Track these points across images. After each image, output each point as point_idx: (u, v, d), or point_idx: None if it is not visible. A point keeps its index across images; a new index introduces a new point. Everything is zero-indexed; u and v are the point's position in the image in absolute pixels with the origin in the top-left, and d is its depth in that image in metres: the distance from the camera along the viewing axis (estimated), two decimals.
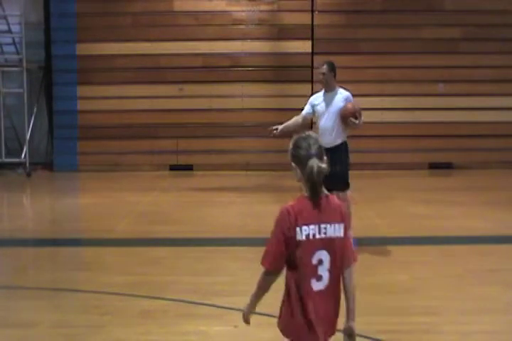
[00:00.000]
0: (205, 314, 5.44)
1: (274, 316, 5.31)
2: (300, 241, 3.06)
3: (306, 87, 14.58)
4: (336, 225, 3.13)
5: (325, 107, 7.44)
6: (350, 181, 7.54)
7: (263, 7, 14.78)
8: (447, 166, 14.73)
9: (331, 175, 7.74)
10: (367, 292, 6.03)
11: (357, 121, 7.27)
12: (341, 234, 3.14)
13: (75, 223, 9.57)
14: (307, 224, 3.07)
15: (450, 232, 8.57)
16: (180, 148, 14.78)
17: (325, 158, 3.23)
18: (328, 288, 3.12)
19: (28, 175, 14.23)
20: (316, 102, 7.57)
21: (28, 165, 14.36)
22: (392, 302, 5.75)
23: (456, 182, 13.48)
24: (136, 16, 14.75)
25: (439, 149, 14.67)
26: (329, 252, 3.11)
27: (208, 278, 6.47)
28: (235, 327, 5.10)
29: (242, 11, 14.75)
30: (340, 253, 3.13)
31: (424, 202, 10.61)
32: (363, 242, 7.41)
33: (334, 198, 3.22)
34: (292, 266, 3.10)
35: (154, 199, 11.19)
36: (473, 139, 14.70)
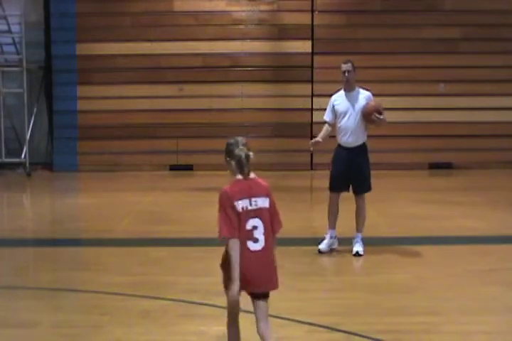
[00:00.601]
0: (205, 314, 5.44)
1: (274, 316, 5.33)
2: (239, 213, 3.94)
3: (306, 87, 14.59)
4: (263, 198, 4.06)
5: (347, 107, 7.29)
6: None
7: (263, 7, 14.79)
8: (447, 166, 14.74)
9: (356, 178, 7.71)
10: (367, 292, 6.04)
11: (381, 116, 7.17)
12: (267, 205, 4.06)
13: (75, 223, 9.56)
14: (241, 199, 3.97)
15: (450, 232, 8.58)
16: (180, 148, 14.78)
17: (251, 153, 4.15)
18: (264, 248, 3.98)
19: (28, 175, 14.23)
20: (336, 102, 7.40)
21: (28, 165, 14.38)
22: (392, 302, 5.75)
23: (456, 182, 13.49)
24: (136, 16, 14.76)
25: (439, 149, 14.68)
26: (261, 219, 4.00)
27: (208, 278, 6.47)
28: None
29: (242, 11, 14.76)
30: (270, 220, 4.06)
31: (424, 202, 10.61)
32: (363, 242, 7.41)
33: (260, 179, 4.14)
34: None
35: (154, 199, 11.19)
36: (473, 139, 14.71)
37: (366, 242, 7.45)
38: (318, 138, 7.45)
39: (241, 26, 14.82)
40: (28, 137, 14.69)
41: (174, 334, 5.01)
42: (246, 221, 3.96)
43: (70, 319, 5.36)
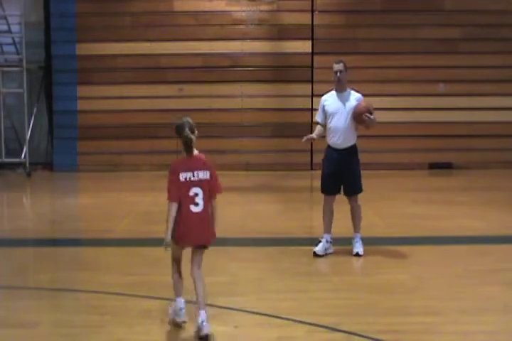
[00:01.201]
0: None
1: (274, 316, 5.34)
2: (182, 182, 5.03)
3: (305, 87, 14.60)
4: (204, 171, 5.09)
5: (338, 107, 7.19)
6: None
7: (263, 7, 14.78)
8: (447, 166, 14.74)
9: (347, 180, 7.54)
10: (367, 292, 6.04)
11: (372, 116, 7.04)
12: (208, 177, 5.09)
13: (75, 223, 9.57)
14: (185, 172, 5.05)
15: (450, 232, 8.58)
16: (181, 149, 14.76)
17: (195, 131, 5.21)
18: (203, 210, 5.06)
19: (28, 175, 14.23)
20: (327, 102, 7.31)
21: (28, 165, 14.37)
22: (392, 302, 5.75)
23: (456, 182, 13.49)
24: (136, 16, 14.76)
25: (438, 149, 14.68)
26: (201, 188, 5.05)
27: (208, 278, 6.44)
28: (235, 327, 5.11)
29: (242, 11, 14.76)
30: (208, 189, 5.08)
31: (424, 202, 10.61)
32: (363, 242, 7.41)
33: (202, 156, 5.17)
34: (180, 198, 5.04)
35: (154, 199, 11.19)
36: (472, 139, 14.71)
37: (366, 242, 7.44)
38: (313, 135, 7.36)
39: (241, 26, 14.83)
40: (28, 137, 14.68)
41: (174, 334, 5.01)
42: (189, 189, 5.04)
43: (70, 319, 5.36)
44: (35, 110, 15.18)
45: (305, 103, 14.49)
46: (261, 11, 14.79)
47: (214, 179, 5.14)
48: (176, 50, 14.71)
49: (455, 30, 14.69)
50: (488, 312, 5.50)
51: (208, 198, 5.08)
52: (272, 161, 14.62)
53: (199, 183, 5.05)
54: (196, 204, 5.04)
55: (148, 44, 14.72)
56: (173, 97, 14.75)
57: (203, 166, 5.10)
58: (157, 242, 8.09)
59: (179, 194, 5.04)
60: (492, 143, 14.67)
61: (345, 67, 7.24)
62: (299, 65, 14.75)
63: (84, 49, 14.73)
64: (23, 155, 14.54)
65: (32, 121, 15.00)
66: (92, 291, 6.06)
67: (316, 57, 14.67)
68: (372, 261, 7.12)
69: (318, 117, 7.47)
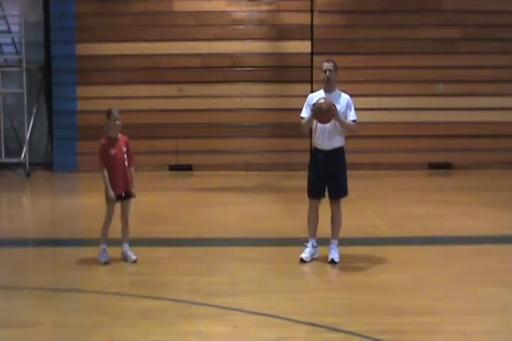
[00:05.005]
0: (204, 314, 5.45)
1: (273, 316, 5.34)
2: (111, 154, 7.16)
3: (305, 87, 14.55)
4: (124, 148, 7.29)
5: None
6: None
7: (263, 7, 14.79)
8: (446, 166, 14.74)
9: (332, 183, 7.31)
10: (367, 292, 6.04)
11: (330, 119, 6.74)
12: (126, 150, 7.31)
13: (75, 223, 9.57)
14: (112, 148, 7.20)
15: (450, 232, 8.58)
16: (180, 148, 14.78)
17: (119, 122, 7.40)
18: (126, 171, 7.32)
19: (28, 175, 14.23)
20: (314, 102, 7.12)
21: (27, 165, 14.37)
22: (392, 302, 5.75)
23: (456, 183, 13.49)
24: (136, 16, 14.75)
25: (438, 149, 14.68)
26: (126, 157, 7.29)
27: (208, 278, 6.48)
28: (235, 327, 5.11)
29: (242, 11, 14.76)
30: (129, 158, 7.36)
31: (424, 203, 10.61)
32: (363, 242, 7.41)
33: (123, 137, 7.43)
34: (107, 163, 7.16)
35: (154, 199, 11.18)
36: (472, 139, 14.70)
37: (366, 242, 7.45)
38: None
39: (241, 26, 14.83)
40: (27, 137, 14.68)
41: (174, 334, 5.02)
42: (115, 158, 7.14)
43: (70, 319, 5.36)
44: (34, 110, 15.18)
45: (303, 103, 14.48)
46: (260, 11, 14.79)
47: (130, 152, 7.46)
48: (176, 50, 14.71)
49: (454, 30, 14.69)
50: (488, 313, 5.50)
51: (128, 163, 7.43)
52: (271, 161, 14.62)
53: (122, 154, 7.31)
54: (123, 167, 7.43)
55: (147, 44, 14.71)
56: (173, 97, 14.75)
57: (123, 143, 7.38)
58: (157, 242, 8.14)
59: (105, 164, 7.17)
60: (491, 143, 14.67)
61: (336, 67, 7.06)
62: (299, 65, 14.75)
63: (83, 49, 14.73)
64: (22, 156, 14.54)
65: (32, 122, 15.00)
66: (91, 291, 6.07)
67: (315, 58, 14.65)
68: (372, 261, 7.12)
69: (305, 113, 7.09)
